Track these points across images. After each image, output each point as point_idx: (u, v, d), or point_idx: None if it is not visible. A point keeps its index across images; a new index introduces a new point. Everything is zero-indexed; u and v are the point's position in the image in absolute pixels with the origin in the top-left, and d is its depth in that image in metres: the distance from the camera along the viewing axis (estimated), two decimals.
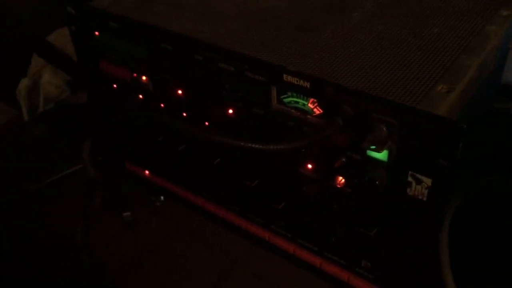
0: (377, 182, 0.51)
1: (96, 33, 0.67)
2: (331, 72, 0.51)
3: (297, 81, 0.51)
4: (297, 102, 0.53)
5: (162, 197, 0.90)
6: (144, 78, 0.66)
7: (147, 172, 0.79)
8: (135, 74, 0.67)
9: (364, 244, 0.57)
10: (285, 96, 0.54)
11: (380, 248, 0.56)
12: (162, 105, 0.67)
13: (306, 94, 0.52)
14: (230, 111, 0.59)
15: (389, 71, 0.51)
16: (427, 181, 0.47)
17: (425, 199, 0.48)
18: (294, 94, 0.53)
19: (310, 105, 0.53)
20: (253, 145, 0.49)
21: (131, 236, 0.84)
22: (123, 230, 0.84)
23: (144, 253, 0.81)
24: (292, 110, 0.54)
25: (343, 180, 0.54)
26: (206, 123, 0.63)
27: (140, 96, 0.69)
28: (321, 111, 0.52)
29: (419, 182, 0.48)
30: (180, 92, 0.64)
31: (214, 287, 0.72)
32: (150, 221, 0.86)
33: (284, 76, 0.52)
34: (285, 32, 0.59)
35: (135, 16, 0.63)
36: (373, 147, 0.46)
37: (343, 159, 0.52)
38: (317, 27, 0.60)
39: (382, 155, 0.49)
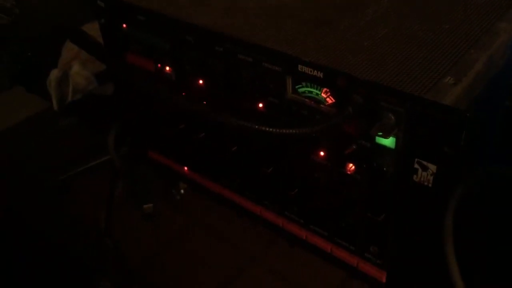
0: (384, 169, 0.53)
1: (124, 25, 0.71)
2: (344, 63, 0.54)
3: (311, 71, 0.54)
4: (311, 92, 0.56)
5: (182, 191, 0.93)
6: (167, 68, 0.70)
7: (168, 160, 0.83)
8: (159, 65, 0.71)
9: (373, 229, 0.59)
10: (300, 86, 0.57)
11: (387, 233, 0.58)
12: (184, 94, 0.71)
13: (320, 84, 0.55)
14: (248, 100, 0.63)
15: (399, 63, 0.54)
16: (433, 167, 0.50)
17: (430, 185, 0.51)
18: (308, 84, 0.56)
19: (323, 95, 0.55)
20: (269, 129, 0.53)
21: (151, 228, 0.88)
22: (143, 222, 0.88)
23: (163, 246, 0.84)
24: (306, 100, 0.57)
25: (353, 167, 0.57)
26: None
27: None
28: (334, 101, 0.55)
29: (425, 168, 0.51)
30: (200, 82, 0.67)
31: (231, 282, 0.74)
32: (170, 215, 0.90)
33: (299, 66, 0.55)
34: (301, 27, 0.62)
35: (160, 9, 0.67)
36: (380, 133, 0.49)
37: (354, 147, 0.55)
38: (332, 22, 0.63)
39: (389, 143, 0.52)
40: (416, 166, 0.51)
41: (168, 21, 0.66)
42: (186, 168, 0.80)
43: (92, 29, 0.91)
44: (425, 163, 0.50)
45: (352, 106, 0.51)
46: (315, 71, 0.54)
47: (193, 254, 0.81)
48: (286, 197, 0.67)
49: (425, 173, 0.51)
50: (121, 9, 0.71)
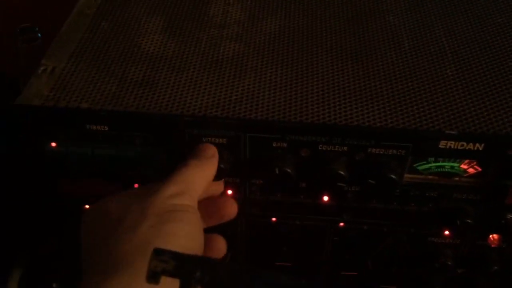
0: None
1: (53, 144, 0.40)
2: (478, 121, 0.39)
3: (462, 145, 0.38)
4: (443, 167, 0.40)
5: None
6: None
7: None
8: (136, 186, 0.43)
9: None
10: (423, 163, 0.40)
11: None
12: None
13: (469, 156, 0.39)
14: (330, 199, 0.43)
15: None
16: None
17: None
18: (440, 159, 0.39)
19: (463, 166, 0.40)
20: None
21: None
22: None
23: None
24: (429, 177, 0.41)
25: (497, 237, 0.44)
26: (274, 219, 0.45)
27: None
28: (480, 169, 0.40)
29: None
30: (229, 192, 0.43)
31: None
32: None
33: (441, 142, 0.38)
34: (344, 73, 0.43)
35: (128, 106, 0.39)
36: None
37: (510, 216, 0.42)
38: (372, 49, 0.46)
39: None
40: None
41: (169, 122, 0.39)
42: None
43: None
44: None
45: None
46: (471, 143, 0.37)
47: None
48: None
49: None
50: (44, 121, 0.39)
